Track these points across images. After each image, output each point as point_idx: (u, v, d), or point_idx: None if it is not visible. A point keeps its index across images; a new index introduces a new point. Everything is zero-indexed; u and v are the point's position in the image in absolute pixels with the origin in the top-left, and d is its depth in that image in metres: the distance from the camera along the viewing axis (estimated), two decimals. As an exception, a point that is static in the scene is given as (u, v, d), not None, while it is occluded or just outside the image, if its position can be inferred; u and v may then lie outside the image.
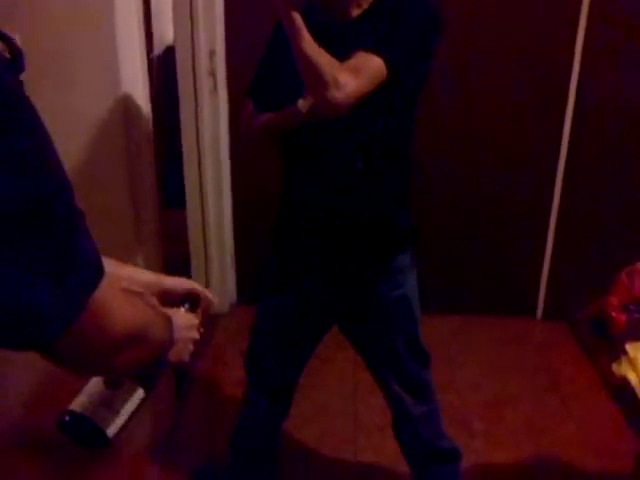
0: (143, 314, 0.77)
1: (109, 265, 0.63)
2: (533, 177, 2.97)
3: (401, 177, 1.60)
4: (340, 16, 1.49)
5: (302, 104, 1.41)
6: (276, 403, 1.93)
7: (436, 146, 2.87)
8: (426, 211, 2.83)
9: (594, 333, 2.77)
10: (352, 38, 1.45)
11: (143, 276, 0.99)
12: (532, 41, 2.76)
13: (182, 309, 1.00)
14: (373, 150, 1.50)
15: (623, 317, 2.62)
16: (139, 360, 0.77)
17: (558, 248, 3.04)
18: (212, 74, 2.76)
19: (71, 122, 1.72)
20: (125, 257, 1.84)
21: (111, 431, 0.87)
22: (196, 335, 0.98)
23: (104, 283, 0.61)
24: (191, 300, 1.03)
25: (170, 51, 3.04)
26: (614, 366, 2.52)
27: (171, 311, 0.95)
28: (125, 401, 0.88)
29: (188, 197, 2.95)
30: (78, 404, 0.86)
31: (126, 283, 0.83)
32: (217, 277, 3.10)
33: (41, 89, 1.64)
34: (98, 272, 0.61)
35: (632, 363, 2.42)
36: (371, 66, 1.36)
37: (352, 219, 1.56)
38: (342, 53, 1.36)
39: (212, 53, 2.72)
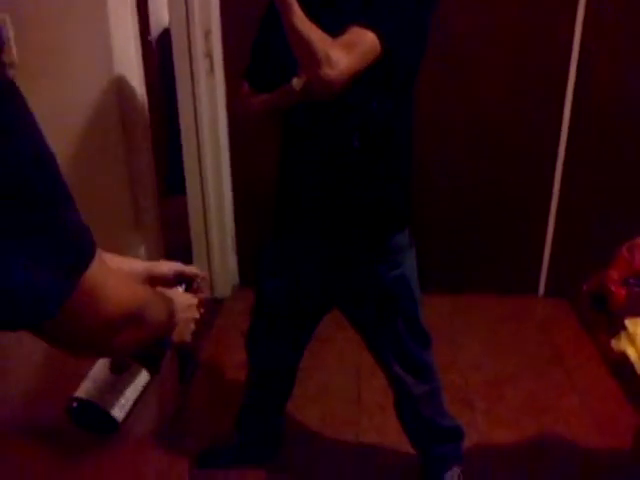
0: (140, 294, 0.77)
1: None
2: (535, 157, 2.97)
3: (399, 157, 1.59)
4: None
5: (296, 82, 1.40)
6: (278, 385, 1.94)
7: (438, 129, 2.87)
8: (427, 191, 2.83)
9: (594, 308, 2.78)
10: (344, 9, 1.42)
11: (132, 265, 0.99)
12: (531, 25, 2.75)
13: (180, 289, 1.01)
14: (369, 129, 1.49)
15: (623, 291, 2.62)
16: (139, 340, 0.78)
17: (560, 225, 3.04)
18: (208, 55, 2.74)
19: (64, 110, 1.71)
20: (125, 246, 1.86)
21: (119, 415, 0.87)
22: (196, 314, 0.98)
23: (96, 262, 0.61)
24: (186, 281, 1.03)
25: (167, 34, 3.01)
26: (613, 342, 2.53)
27: (170, 292, 0.95)
28: (130, 384, 0.89)
29: (188, 182, 2.95)
30: (84, 390, 0.87)
31: None
32: (219, 260, 3.10)
33: (33, 74, 1.64)
34: (89, 251, 0.61)
35: (631, 338, 2.43)
36: (364, 41, 1.33)
37: (348, 198, 1.55)
38: (333, 25, 1.34)
39: (208, 33, 2.70)
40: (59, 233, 0.58)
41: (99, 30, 1.63)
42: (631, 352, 2.40)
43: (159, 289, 0.95)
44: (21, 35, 1.62)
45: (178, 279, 1.03)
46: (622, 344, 2.47)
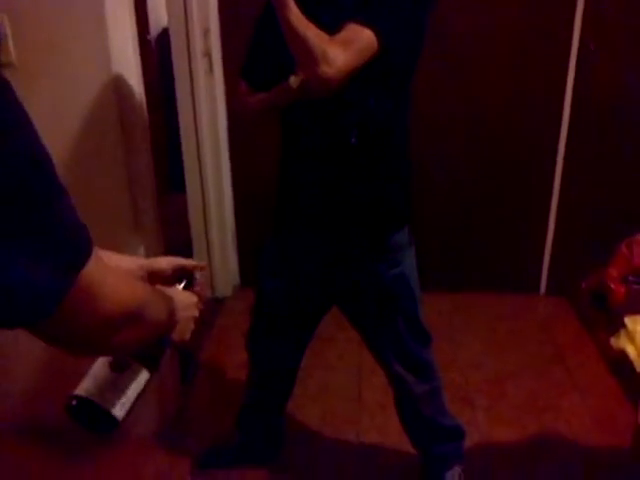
0: (140, 293, 0.77)
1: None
2: (535, 155, 2.97)
3: (398, 155, 1.58)
4: None
5: (293, 80, 1.39)
6: (279, 384, 1.94)
7: (438, 128, 2.87)
8: (427, 190, 2.83)
9: (594, 306, 2.77)
10: (341, 6, 1.42)
11: (130, 262, 0.99)
12: (530, 23, 2.75)
13: (179, 287, 1.00)
14: (367, 126, 1.49)
15: (622, 289, 2.61)
16: (138, 339, 0.77)
17: (560, 223, 3.04)
18: (207, 54, 2.74)
19: (62, 110, 1.70)
20: (124, 247, 1.86)
21: (119, 414, 0.87)
22: (196, 313, 0.98)
23: (93, 260, 0.61)
24: (186, 277, 1.03)
25: (166, 33, 3.01)
26: (612, 339, 2.53)
27: (170, 290, 0.95)
28: (130, 383, 0.89)
29: (187, 180, 2.94)
30: (84, 388, 0.86)
31: None
32: (219, 260, 3.10)
33: (31, 74, 1.63)
34: (86, 249, 0.61)
35: (630, 336, 2.42)
36: (361, 38, 1.32)
37: (347, 195, 1.55)
38: (331, 22, 1.34)
39: (206, 32, 2.70)
40: (55, 231, 0.58)
41: (97, 29, 1.63)
42: (630, 350, 2.40)
43: (159, 287, 0.95)
44: (19, 35, 1.62)
45: (178, 275, 1.03)
46: (621, 342, 2.47)
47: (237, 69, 1.64)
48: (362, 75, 1.35)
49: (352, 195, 1.55)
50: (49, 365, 1.90)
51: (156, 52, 3.96)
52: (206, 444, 2.13)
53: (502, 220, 3.08)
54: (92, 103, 1.69)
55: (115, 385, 0.87)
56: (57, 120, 1.69)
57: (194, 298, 0.99)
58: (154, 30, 3.97)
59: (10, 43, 1.62)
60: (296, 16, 1.29)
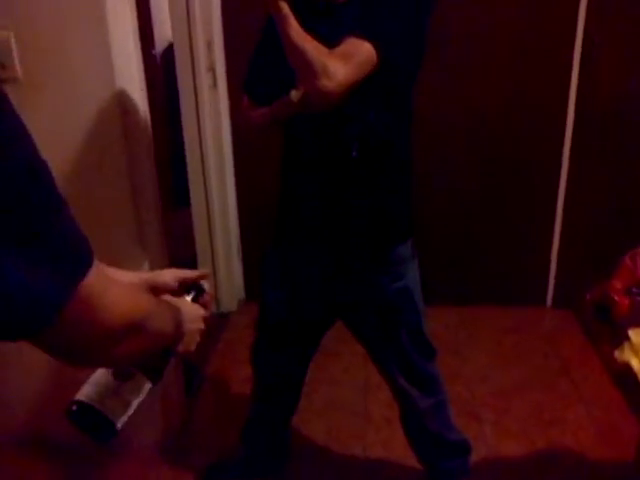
0: (143, 304, 0.77)
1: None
2: (538, 165, 2.96)
3: (398, 168, 1.59)
4: None
5: (294, 94, 1.40)
6: (283, 398, 1.93)
7: (439, 133, 2.86)
8: (430, 201, 2.83)
9: (598, 318, 2.76)
10: (340, 20, 1.43)
11: (132, 278, 0.99)
12: (533, 19, 2.73)
13: (188, 298, 1.00)
14: (368, 139, 1.49)
15: (626, 301, 2.59)
16: (141, 351, 0.77)
17: (566, 235, 3.03)
18: (211, 69, 2.76)
19: (66, 124, 1.71)
20: (128, 260, 1.86)
21: (118, 421, 0.87)
22: (202, 325, 0.98)
23: (94, 271, 0.61)
24: (195, 288, 1.03)
25: (172, 48, 3.03)
26: (616, 352, 2.51)
27: (178, 301, 0.95)
28: (132, 391, 0.89)
29: (192, 194, 2.95)
30: (85, 394, 0.87)
31: None
32: (224, 274, 3.10)
33: (35, 89, 1.65)
34: (86, 260, 0.61)
35: (634, 349, 2.40)
36: (361, 52, 1.33)
37: (348, 208, 1.55)
38: (330, 35, 1.34)
39: (210, 44, 2.71)
40: (54, 241, 0.58)
41: (100, 44, 1.64)
42: (634, 363, 2.38)
43: (167, 297, 0.95)
44: (24, 51, 1.63)
45: (184, 287, 1.03)
46: (625, 355, 2.44)
47: (241, 84, 1.65)
48: (362, 89, 1.35)
49: (353, 207, 1.55)
50: (53, 375, 1.90)
51: (162, 67, 3.99)
52: (211, 458, 2.12)
53: (507, 233, 3.07)
54: (96, 117, 1.70)
55: (116, 393, 0.87)
56: (61, 134, 1.70)
57: (201, 311, 0.99)
58: (159, 45, 4.00)
59: (16, 59, 1.63)
60: (296, 30, 1.30)
